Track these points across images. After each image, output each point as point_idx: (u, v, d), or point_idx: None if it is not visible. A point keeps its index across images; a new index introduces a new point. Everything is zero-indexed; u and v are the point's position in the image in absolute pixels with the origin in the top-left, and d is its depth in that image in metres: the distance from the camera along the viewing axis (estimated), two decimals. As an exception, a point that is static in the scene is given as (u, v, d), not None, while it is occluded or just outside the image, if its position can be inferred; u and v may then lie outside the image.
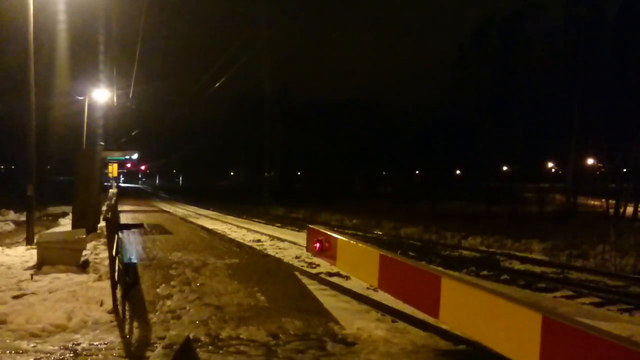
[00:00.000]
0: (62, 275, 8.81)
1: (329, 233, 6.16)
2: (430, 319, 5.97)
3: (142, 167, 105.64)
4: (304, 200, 45.70)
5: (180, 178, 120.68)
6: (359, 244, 5.55)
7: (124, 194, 53.95)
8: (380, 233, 23.45)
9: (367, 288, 8.20)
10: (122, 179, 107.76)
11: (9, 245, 13.52)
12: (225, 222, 25.04)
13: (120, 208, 24.57)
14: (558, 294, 10.63)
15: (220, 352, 5.39)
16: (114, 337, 5.77)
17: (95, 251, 11.61)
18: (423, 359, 5.31)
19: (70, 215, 17.76)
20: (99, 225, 15.76)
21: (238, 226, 22.36)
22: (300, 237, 15.97)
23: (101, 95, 31.17)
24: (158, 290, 7.87)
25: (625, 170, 36.51)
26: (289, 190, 62.23)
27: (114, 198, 14.15)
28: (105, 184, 38.96)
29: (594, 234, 20.11)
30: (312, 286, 8.69)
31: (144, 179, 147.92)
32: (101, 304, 6.92)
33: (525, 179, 46.30)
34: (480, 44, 45.44)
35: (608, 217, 31.60)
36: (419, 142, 58.86)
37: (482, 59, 44.71)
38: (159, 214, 26.91)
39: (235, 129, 76.73)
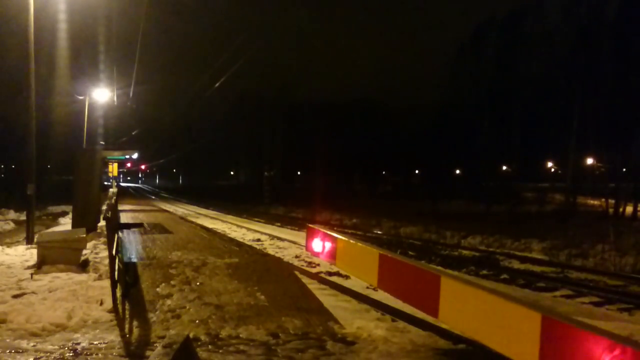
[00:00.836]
0: (62, 275, 8.82)
1: (328, 232, 6.18)
2: (429, 318, 5.98)
3: (142, 167, 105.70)
4: (304, 200, 45.64)
5: (180, 177, 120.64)
6: (359, 244, 5.57)
7: (124, 194, 53.98)
8: (380, 232, 23.45)
9: (367, 287, 8.21)
10: (122, 178, 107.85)
11: (9, 245, 13.52)
12: (225, 221, 25.04)
13: (120, 207, 24.58)
14: (557, 293, 10.64)
15: (220, 351, 5.40)
16: (113, 336, 5.77)
17: (95, 250, 11.62)
18: (423, 358, 5.31)
19: (70, 215, 17.77)
20: (99, 224, 15.77)
21: (238, 225, 22.36)
22: (300, 237, 15.97)
23: (101, 94, 31.17)
24: (158, 289, 7.88)
25: (624, 169, 36.53)
26: (289, 190, 62.19)
27: (114, 197, 14.17)
28: (106, 183, 38.98)
29: (594, 233, 20.11)
30: (312, 285, 8.70)
31: (144, 179, 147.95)
32: (101, 303, 6.93)
33: (525, 179, 46.34)
34: (480, 43, 45.47)
35: (607, 216, 31.59)
36: (419, 142, 58.85)
37: (482, 58, 44.74)
38: (159, 213, 26.91)
39: (235, 129, 76.71)
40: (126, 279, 8.19)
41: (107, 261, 8.89)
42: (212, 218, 27.32)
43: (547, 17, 40.19)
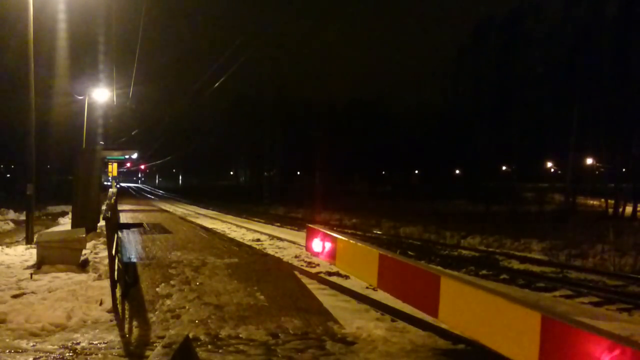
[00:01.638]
0: (62, 275, 8.82)
1: (328, 232, 6.18)
2: (429, 319, 5.98)
3: (142, 167, 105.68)
4: (304, 200, 45.62)
5: (180, 178, 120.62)
6: (359, 244, 5.57)
7: (123, 194, 53.98)
8: (380, 232, 23.44)
9: (367, 287, 8.20)
10: (122, 178, 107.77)
11: (8, 245, 13.53)
12: (224, 221, 25.04)
13: (120, 207, 24.58)
14: (557, 293, 10.64)
15: (220, 351, 5.40)
16: (113, 336, 5.77)
17: (95, 250, 11.62)
18: (422, 358, 5.30)
19: (70, 215, 17.77)
20: (99, 224, 15.77)
21: (237, 225, 22.36)
22: (300, 237, 15.97)
23: (101, 94, 31.15)
24: (157, 289, 7.87)
25: (624, 170, 36.53)
26: (289, 190, 62.19)
27: (114, 197, 14.16)
28: (106, 183, 38.98)
29: (593, 233, 20.11)
30: (312, 285, 8.70)
31: (143, 179, 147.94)
32: (101, 303, 6.92)
33: (525, 179, 46.32)
34: (480, 43, 45.45)
35: (607, 216, 31.62)
36: (419, 142, 58.89)
37: (482, 58, 44.72)
38: (159, 213, 26.89)
39: (235, 129, 76.70)
40: (126, 279, 8.19)
41: (106, 261, 8.88)
42: (211, 218, 27.32)
43: (547, 17, 40.22)
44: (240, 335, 5.91)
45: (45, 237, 10.10)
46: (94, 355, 5.18)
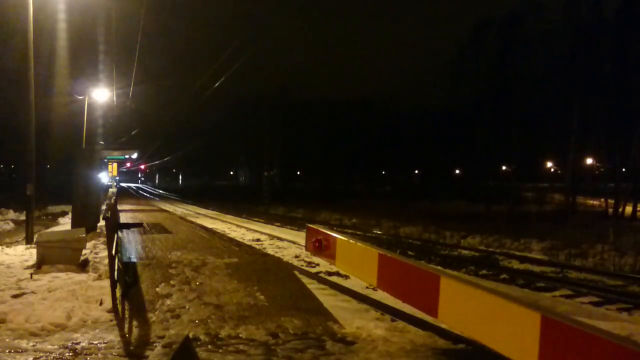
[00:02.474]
0: (62, 275, 8.82)
1: (328, 232, 6.16)
2: (429, 318, 5.97)
3: (142, 167, 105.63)
4: (304, 200, 45.65)
5: (180, 177, 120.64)
6: (359, 243, 5.56)
7: (123, 194, 53.97)
8: (380, 232, 23.45)
9: (367, 287, 8.20)
10: (122, 178, 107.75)
11: (8, 245, 13.53)
12: (224, 221, 25.04)
13: (120, 207, 24.56)
14: (557, 293, 10.64)
15: (220, 351, 5.39)
16: (113, 336, 5.77)
17: (95, 250, 11.62)
18: (422, 358, 5.31)
19: (70, 215, 17.78)
20: (99, 224, 15.77)
21: (237, 225, 22.36)
22: (300, 237, 15.98)
23: (101, 94, 31.16)
24: (157, 289, 7.87)
25: (624, 170, 36.55)
26: (289, 190, 62.19)
27: (114, 197, 14.15)
28: (106, 183, 38.92)
29: (593, 233, 20.12)
30: (312, 285, 8.70)
31: (143, 179, 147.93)
32: (101, 303, 6.92)
33: (524, 179, 46.33)
34: (479, 43, 45.45)
35: (607, 216, 31.66)
36: (419, 142, 58.91)
37: (482, 58, 44.73)
38: (159, 213, 26.90)
39: (235, 129, 76.72)
40: (126, 278, 8.19)
41: (106, 261, 8.88)
42: (211, 218, 27.32)
43: (547, 17, 40.24)
44: (240, 335, 5.91)
45: (45, 237, 10.10)
46: (94, 355, 5.18)
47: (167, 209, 33.40)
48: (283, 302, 7.36)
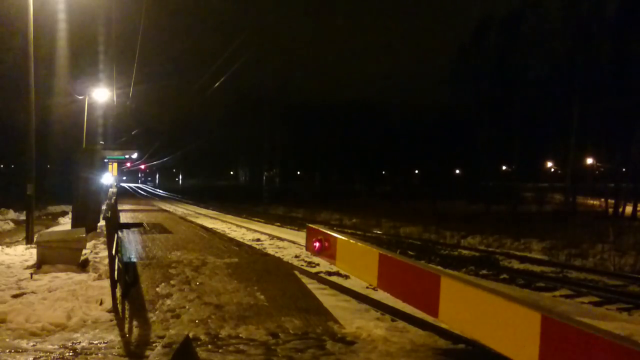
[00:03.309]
0: (62, 275, 8.82)
1: (328, 232, 6.15)
2: (429, 318, 5.97)
3: (142, 167, 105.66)
4: (304, 200, 45.66)
5: (180, 177, 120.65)
6: (359, 243, 5.55)
7: (124, 194, 53.97)
8: (380, 232, 23.44)
9: (367, 287, 8.20)
10: (122, 178, 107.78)
11: (8, 244, 13.52)
12: (224, 221, 25.04)
13: (120, 207, 24.55)
14: (557, 293, 10.64)
15: (220, 351, 5.40)
16: (113, 336, 5.77)
17: (95, 250, 11.62)
18: (422, 358, 5.31)
19: (70, 214, 17.78)
20: (99, 224, 15.77)
21: (237, 225, 22.36)
22: (300, 237, 15.98)
23: (101, 94, 31.16)
24: (158, 289, 7.87)
25: (624, 169, 36.54)
26: (289, 190, 62.19)
27: (114, 197, 14.14)
28: (106, 183, 38.89)
29: (593, 233, 20.12)
30: (312, 285, 8.70)
31: (143, 179, 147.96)
32: (101, 303, 6.92)
33: (525, 179, 46.34)
34: (480, 43, 45.43)
35: (607, 216, 31.64)
36: (419, 142, 58.92)
37: (482, 58, 44.71)
38: (159, 213, 26.90)
39: (235, 129, 76.72)
40: (126, 278, 8.19)
41: (106, 261, 8.88)
42: (211, 218, 27.32)
43: (547, 17, 40.20)
44: (240, 335, 5.91)
45: (46, 237, 10.10)
46: (94, 355, 5.18)
47: (167, 209, 33.41)
48: (283, 302, 7.36)
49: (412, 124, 62.15)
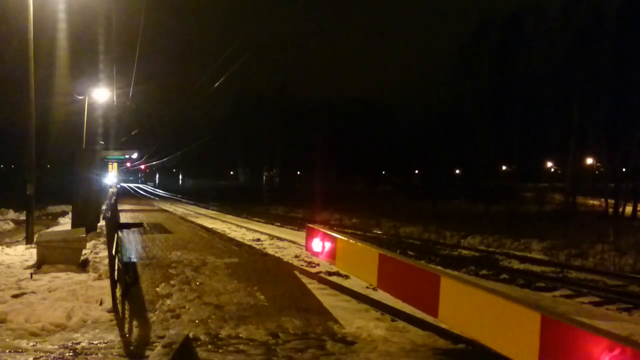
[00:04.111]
0: (62, 274, 8.82)
1: (328, 232, 6.17)
2: (429, 318, 5.97)
3: (142, 167, 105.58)
4: (304, 200, 45.60)
5: (180, 177, 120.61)
6: (359, 244, 5.56)
7: (124, 194, 53.98)
8: (380, 232, 23.43)
9: (367, 287, 8.20)
10: (122, 178, 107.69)
11: (8, 244, 13.53)
12: (224, 221, 25.04)
13: (120, 207, 24.56)
14: (557, 293, 10.64)
15: (220, 351, 5.40)
16: (113, 336, 5.77)
17: (95, 250, 11.62)
18: (422, 358, 5.31)
19: (70, 215, 17.78)
20: (99, 224, 15.78)
21: (237, 225, 22.35)
22: (300, 237, 15.97)
23: (101, 94, 31.16)
24: (158, 289, 7.88)
25: (624, 169, 36.53)
26: (289, 190, 62.17)
27: (114, 197, 14.15)
28: (105, 183, 38.90)
29: (593, 233, 20.08)
30: (312, 285, 8.70)
31: (143, 179, 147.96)
32: (101, 303, 6.93)
33: (525, 179, 46.32)
34: (480, 44, 45.43)
35: (607, 216, 31.62)
36: (419, 142, 58.88)
37: (482, 59, 44.71)
38: (159, 213, 26.90)
39: (235, 129, 76.72)
40: (126, 278, 8.19)
41: (106, 261, 8.89)
42: (211, 218, 27.32)
43: (547, 17, 40.21)
44: (240, 335, 5.92)
45: (46, 237, 10.10)
46: (94, 355, 5.18)
47: (167, 209, 33.41)
48: (283, 302, 7.36)
49: (412, 124, 62.14)
